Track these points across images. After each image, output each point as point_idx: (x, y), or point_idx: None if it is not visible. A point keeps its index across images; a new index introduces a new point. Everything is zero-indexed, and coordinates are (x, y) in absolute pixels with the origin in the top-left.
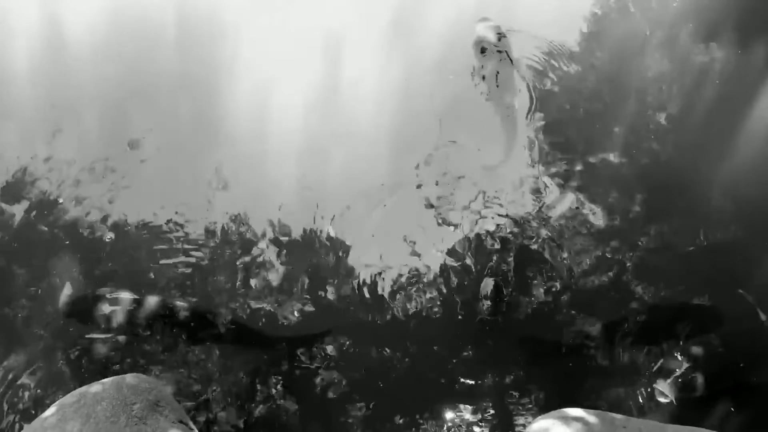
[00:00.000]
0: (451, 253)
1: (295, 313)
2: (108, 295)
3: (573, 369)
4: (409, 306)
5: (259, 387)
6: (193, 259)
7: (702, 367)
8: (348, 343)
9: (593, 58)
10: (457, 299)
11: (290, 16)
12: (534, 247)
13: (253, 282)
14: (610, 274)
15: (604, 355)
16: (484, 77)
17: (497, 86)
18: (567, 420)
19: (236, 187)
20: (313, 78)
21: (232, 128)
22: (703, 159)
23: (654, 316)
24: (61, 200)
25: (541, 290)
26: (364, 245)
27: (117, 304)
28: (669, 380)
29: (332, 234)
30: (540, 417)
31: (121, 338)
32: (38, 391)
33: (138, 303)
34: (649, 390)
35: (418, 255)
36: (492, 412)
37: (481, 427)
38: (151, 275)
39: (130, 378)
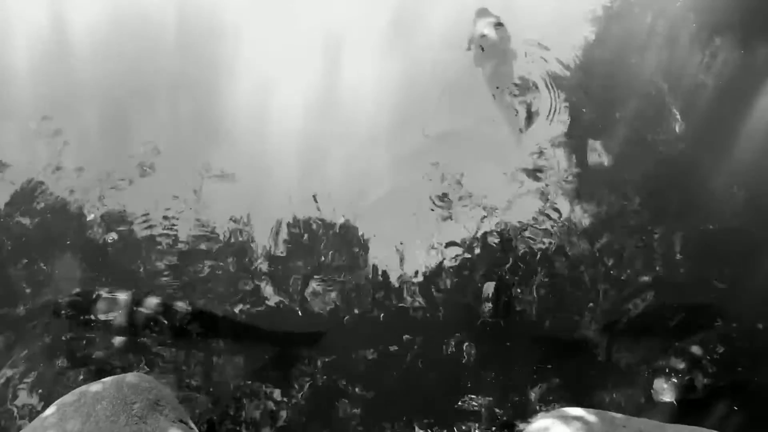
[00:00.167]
0: (451, 253)
1: (298, 312)
2: (108, 295)
3: (573, 368)
4: (409, 306)
5: (258, 386)
6: (192, 259)
7: (702, 367)
8: (348, 343)
9: (593, 58)
10: (457, 301)
11: (290, 16)
12: (535, 248)
13: (252, 282)
14: (610, 273)
15: (603, 355)
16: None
17: (497, 87)
18: (567, 419)
19: (236, 186)
20: (313, 78)
21: (232, 128)
22: (707, 157)
23: (654, 315)
24: (91, 216)
25: (542, 291)
26: (363, 245)
27: (116, 304)
28: (669, 380)
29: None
30: (540, 416)
31: (121, 338)
32: (38, 390)
33: (137, 303)
34: (651, 390)
35: (418, 255)
36: (492, 412)
37: (480, 427)
38: (151, 275)
39: (130, 377)
